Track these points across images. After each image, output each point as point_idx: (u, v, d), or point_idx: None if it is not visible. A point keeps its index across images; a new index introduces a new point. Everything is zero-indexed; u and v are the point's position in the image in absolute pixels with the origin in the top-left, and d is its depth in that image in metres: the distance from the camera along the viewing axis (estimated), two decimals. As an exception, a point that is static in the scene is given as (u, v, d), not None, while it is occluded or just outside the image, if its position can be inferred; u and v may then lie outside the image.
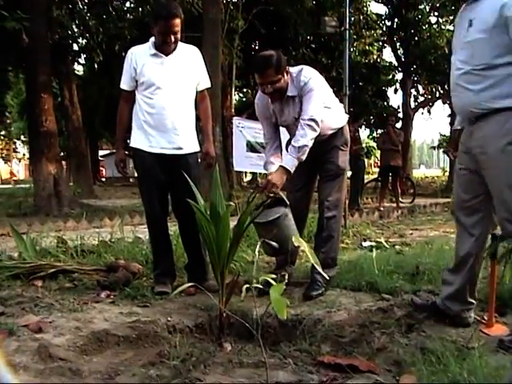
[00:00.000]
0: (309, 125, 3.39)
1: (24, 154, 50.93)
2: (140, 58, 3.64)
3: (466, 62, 2.63)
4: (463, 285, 2.87)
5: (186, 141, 3.75)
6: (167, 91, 3.64)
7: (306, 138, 3.39)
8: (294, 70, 3.57)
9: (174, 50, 3.68)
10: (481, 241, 2.81)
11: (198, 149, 3.86)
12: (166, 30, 3.54)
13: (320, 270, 2.40)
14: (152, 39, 3.69)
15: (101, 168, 39.03)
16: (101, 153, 41.10)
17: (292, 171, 3.39)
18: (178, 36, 3.61)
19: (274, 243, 3.09)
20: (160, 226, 3.80)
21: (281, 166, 3.42)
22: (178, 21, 3.54)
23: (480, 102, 2.58)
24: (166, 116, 3.64)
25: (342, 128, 3.76)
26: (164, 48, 3.64)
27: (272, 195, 3.35)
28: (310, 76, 3.52)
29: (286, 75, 3.50)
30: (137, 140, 3.71)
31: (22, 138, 44.32)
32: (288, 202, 3.40)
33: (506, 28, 2.46)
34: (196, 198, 3.10)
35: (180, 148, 3.71)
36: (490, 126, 2.58)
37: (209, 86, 3.93)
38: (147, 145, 3.67)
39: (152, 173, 3.67)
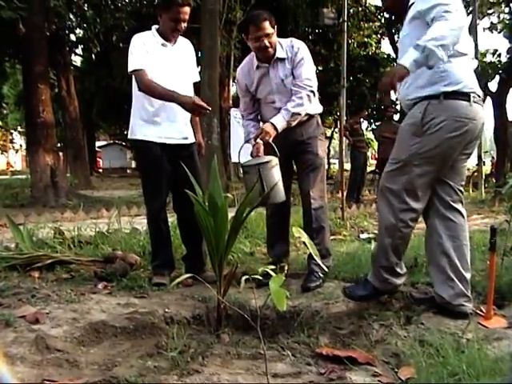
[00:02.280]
0: (308, 95, 3.50)
1: (21, 145, 50.91)
2: (151, 46, 3.58)
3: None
4: None
5: (189, 131, 3.79)
6: (175, 81, 3.59)
7: (301, 107, 3.49)
8: (283, 39, 3.66)
9: (176, 40, 3.68)
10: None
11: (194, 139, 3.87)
12: (179, 17, 3.52)
13: (319, 261, 2.38)
14: (155, 27, 3.65)
15: (98, 159, 38.96)
16: (98, 144, 41.05)
17: (279, 130, 3.42)
18: (186, 25, 3.61)
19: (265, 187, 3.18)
20: (162, 218, 3.77)
21: (270, 122, 3.44)
22: (189, 9, 3.56)
23: (407, 94, 2.91)
24: (176, 106, 3.62)
25: (317, 119, 3.80)
26: (172, 36, 3.62)
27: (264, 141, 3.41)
28: (302, 46, 3.62)
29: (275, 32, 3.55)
30: (144, 132, 3.63)
31: (19, 128, 44.34)
32: (278, 154, 3.39)
33: (423, 19, 2.72)
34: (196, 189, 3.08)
35: (186, 138, 3.73)
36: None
37: (198, 79, 4.03)
38: (157, 136, 3.62)
39: (160, 164, 3.64)
